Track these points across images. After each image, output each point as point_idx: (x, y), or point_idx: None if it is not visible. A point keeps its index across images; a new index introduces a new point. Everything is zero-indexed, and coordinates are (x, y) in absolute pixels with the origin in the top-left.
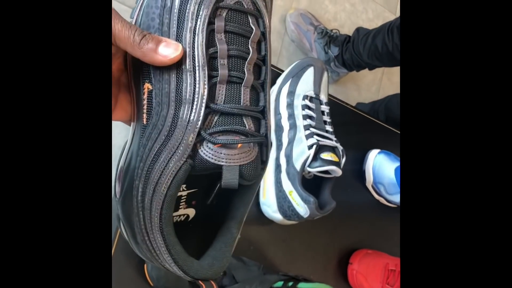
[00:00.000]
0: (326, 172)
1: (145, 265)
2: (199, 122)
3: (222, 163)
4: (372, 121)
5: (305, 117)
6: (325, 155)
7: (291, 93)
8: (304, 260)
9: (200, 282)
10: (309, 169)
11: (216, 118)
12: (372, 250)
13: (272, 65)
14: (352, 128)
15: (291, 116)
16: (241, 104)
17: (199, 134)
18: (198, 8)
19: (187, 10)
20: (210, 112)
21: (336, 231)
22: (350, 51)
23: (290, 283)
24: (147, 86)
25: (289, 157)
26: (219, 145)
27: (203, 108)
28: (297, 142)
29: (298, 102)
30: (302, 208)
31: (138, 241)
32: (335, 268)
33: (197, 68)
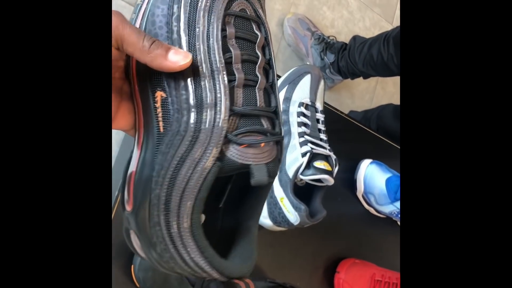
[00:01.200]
0: (318, 180)
1: (132, 266)
2: (225, 125)
3: (250, 163)
4: (365, 131)
5: (300, 124)
6: (318, 164)
7: (287, 99)
8: (291, 267)
9: (237, 281)
10: (301, 177)
11: (237, 120)
12: (359, 260)
13: None
14: (345, 136)
15: (286, 122)
16: (258, 105)
17: (225, 136)
18: (208, 16)
19: (197, 18)
20: (232, 114)
21: (325, 239)
22: (345, 59)
23: None
24: (160, 94)
25: (282, 164)
26: (245, 145)
27: (228, 112)
28: (290, 149)
29: (294, 108)
30: (292, 216)
31: (158, 250)
32: (322, 276)
33: (215, 73)
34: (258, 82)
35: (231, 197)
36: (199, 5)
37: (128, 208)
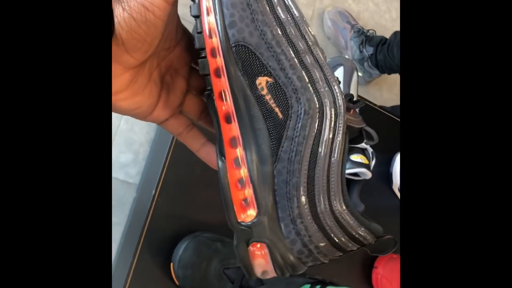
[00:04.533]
0: (355, 174)
1: (171, 264)
2: (342, 94)
3: (362, 126)
4: (399, 123)
5: None
6: (355, 157)
7: None
8: (328, 263)
9: (389, 237)
10: None
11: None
12: (397, 255)
13: None
14: (379, 129)
15: None
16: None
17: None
18: None
19: None
20: None
21: None
22: (384, 53)
23: (318, 286)
24: (265, 79)
25: None
26: (352, 111)
27: (336, 81)
28: None
29: None
30: None
31: (297, 247)
32: (360, 271)
33: (310, 43)
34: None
35: None
36: None
37: (248, 217)
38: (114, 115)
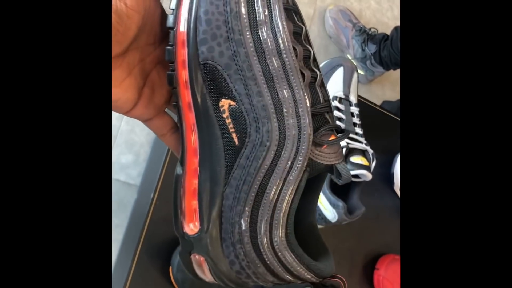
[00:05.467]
0: (356, 176)
1: (170, 268)
2: (311, 128)
3: (334, 163)
4: (399, 123)
5: (335, 119)
6: (355, 159)
7: None
8: None
9: (335, 279)
10: None
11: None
12: (399, 256)
13: None
14: (379, 129)
15: None
16: (321, 102)
17: (312, 140)
18: (269, 12)
19: (257, 15)
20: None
21: (362, 235)
22: (388, 49)
23: None
24: (228, 102)
25: None
26: (325, 146)
27: (310, 114)
28: None
29: None
30: (330, 213)
31: (235, 268)
32: (361, 273)
33: (290, 74)
34: (318, 78)
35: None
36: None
37: (191, 230)
38: (115, 116)
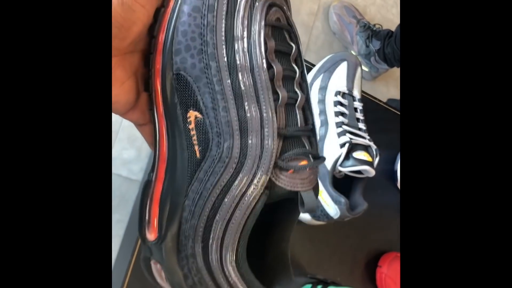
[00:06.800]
0: (358, 172)
1: None
2: (275, 150)
3: (299, 189)
4: None
5: (337, 114)
6: (358, 154)
7: (323, 89)
8: (331, 262)
9: None
10: (340, 169)
11: (280, 143)
12: None
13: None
14: (384, 125)
15: (323, 112)
16: (299, 125)
17: (274, 162)
18: (248, 28)
19: (235, 30)
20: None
21: (365, 232)
22: (392, 45)
23: (319, 286)
24: (194, 114)
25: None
26: (291, 171)
27: (276, 135)
28: (328, 140)
29: (330, 98)
30: (332, 209)
31: (189, 283)
32: (363, 271)
33: (260, 92)
34: (298, 100)
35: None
36: (236, 15)
37: (151, 237)
38: None
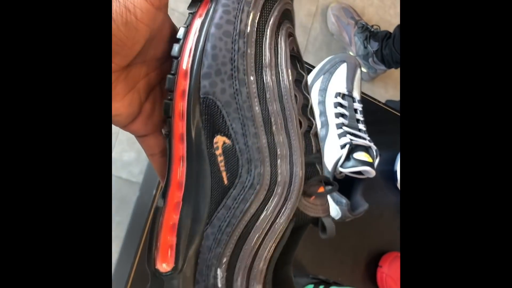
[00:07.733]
0: (359, 172)
1: None
2: (302, 177)
3: (320, 215)
4: None
5: (338, 115)
6: (359, 155)
7: (323, 90)
8: (332, 262)
9: None
10: (341, 170)
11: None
12: None
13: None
14: (383, 127)
15: (323, 113)
16: (314, 151)
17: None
18: (275, 54)
19: (263, 56)
20: None
21: (365, 233)
22: (390, 47)
23: (321, 287)
24: (223, 140)
25: None
26: (313, 197)
27: (303, 162)
28: (328, 141)
29: (330, 99)
30: (333, 210)
31: None
32: (364, 271)
33: (288, 119)
34: (313, 127)
35: None
36: (264, 42)
37: (164, 268)
38: None
